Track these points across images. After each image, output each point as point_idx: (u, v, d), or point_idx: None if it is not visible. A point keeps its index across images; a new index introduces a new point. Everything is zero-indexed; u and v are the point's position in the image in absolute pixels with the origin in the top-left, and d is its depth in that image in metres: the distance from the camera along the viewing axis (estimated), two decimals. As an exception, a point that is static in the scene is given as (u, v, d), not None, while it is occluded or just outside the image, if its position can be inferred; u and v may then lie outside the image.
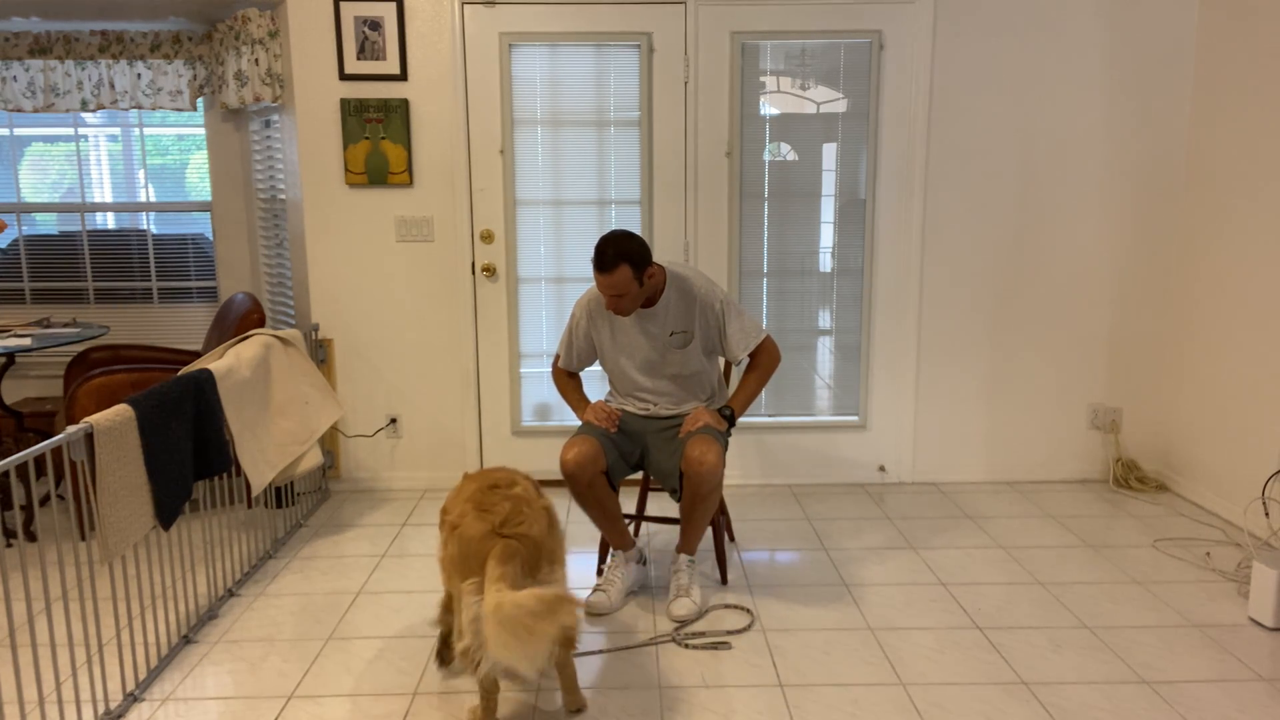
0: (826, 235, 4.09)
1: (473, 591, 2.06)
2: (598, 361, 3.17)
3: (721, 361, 3.44)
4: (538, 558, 2.13)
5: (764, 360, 3.04)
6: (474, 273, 4.08)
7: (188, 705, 2.46)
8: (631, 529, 3.58)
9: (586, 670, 2.61)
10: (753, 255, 4.11)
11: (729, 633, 2.82)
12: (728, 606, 3.00)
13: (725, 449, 2.92)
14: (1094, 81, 3.96)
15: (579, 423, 3.13)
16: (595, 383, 4.00)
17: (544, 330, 4.15)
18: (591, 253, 2.87)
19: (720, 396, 3.19)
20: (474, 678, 2.08)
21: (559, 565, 2.20)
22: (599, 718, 2.38)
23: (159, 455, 2.57)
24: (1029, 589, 3.12)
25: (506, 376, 4.16)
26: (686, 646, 2.74)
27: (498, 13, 3.89)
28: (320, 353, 4.06)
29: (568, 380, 3.21)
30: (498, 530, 2.12)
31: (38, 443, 3.48)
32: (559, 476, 4.23)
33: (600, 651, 2.72)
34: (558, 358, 3.20)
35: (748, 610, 2.97)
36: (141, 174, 4.61)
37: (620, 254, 2.78)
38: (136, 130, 4.58)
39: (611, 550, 3.10)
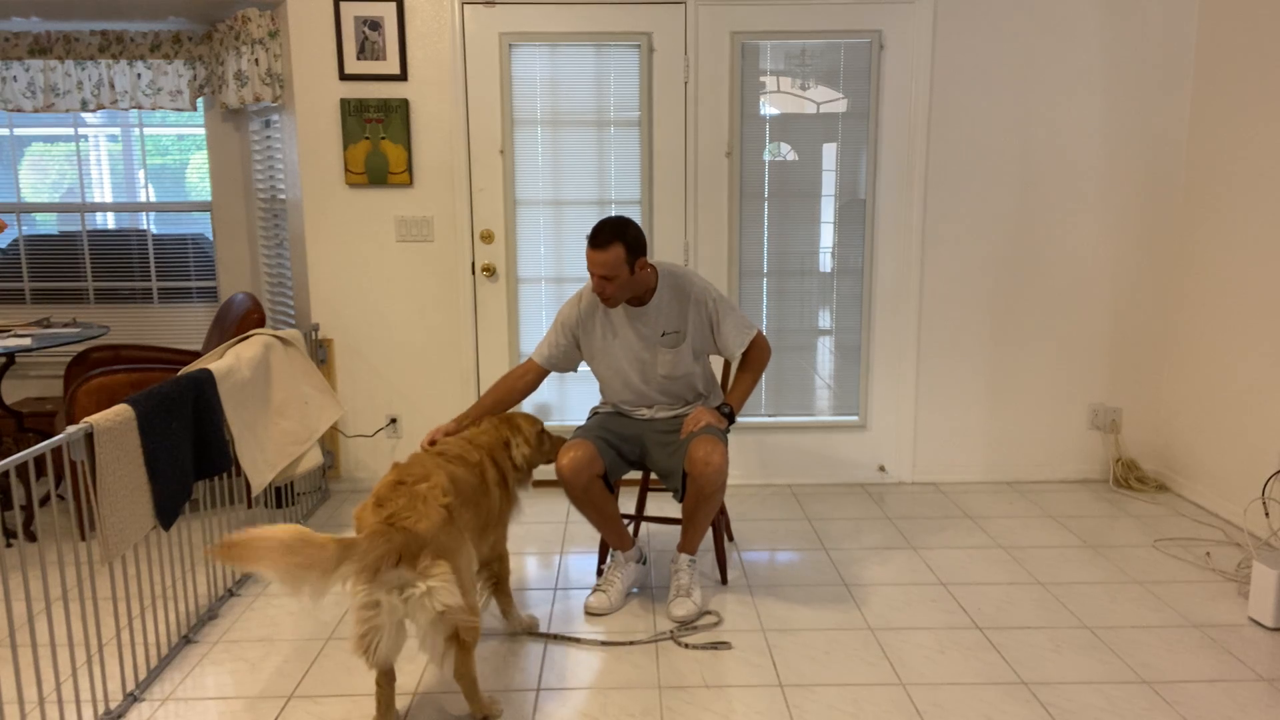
0: (826, 235, 4.09)
1: (361, 580, 2.13)
2: (584, 364, 3.12)
3: (722, 361, 3.44)
4: (417, 549, 2.17)
5: (757, 356, 3.02)
6: (474, 273, 4.08)
7: (188, 705, 2.46)
8: (631, 529, 3.58)
9: (586, 671, 2.62)
10: (753, 255, 4.11)
11: (686, 625, 2.83)
12: (707, 613, 2.99)
13: (728, 448, 2.91)
14: (1094, 81, 3.96)
15: (579, 423, 3.13)
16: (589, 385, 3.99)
17: (543, 330, 4.15)
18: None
19: (714, 396, 3.18)
20: (368, 667, 2.20)
21: (444, 560, 2.20)
22: (599, 718, 2.38)
23: (159, 455, 2.57)
24: (1029, 589, 3.12)
25: (506, 376, 4.16)
26: (686, 647, 2.74)
27: (498, 13, 3.90)
28: (320, 353, 4.06)
29: (510, 382, 3.01)
30: (385, 523, 2.20)
31: (38, 443, 3.48)
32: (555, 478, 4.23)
33: (601, 642, 2.72)
34: (528, 360, 3.08)
35: (713, 613, 2.96)
36: (141, 174, 4.61)
37: (616, 234, 2.75)
38: (136, 130, 4.58)
39: (611, 550, 3.10)
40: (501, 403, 2.98)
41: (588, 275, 4.07)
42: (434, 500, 2.28)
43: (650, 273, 2.91)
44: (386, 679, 2.30)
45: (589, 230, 2.85)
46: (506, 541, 2.79)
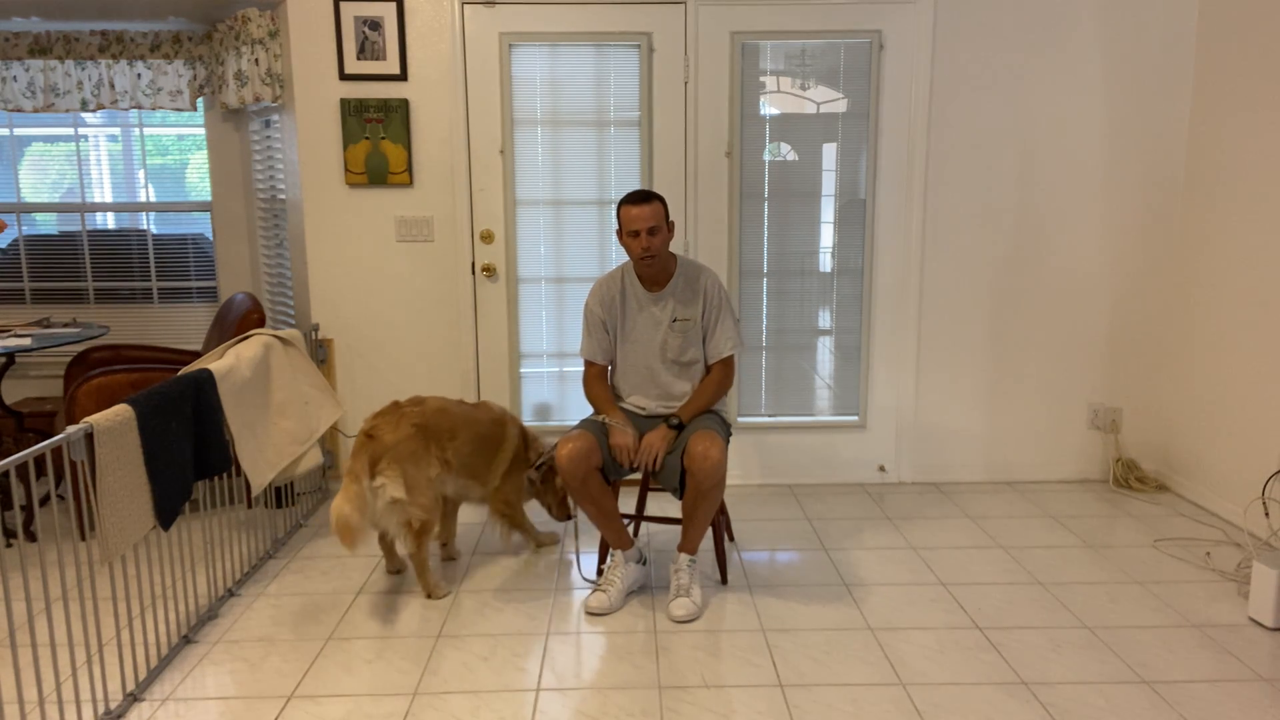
0: (826, 235, 4.09)
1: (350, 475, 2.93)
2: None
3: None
4: (380, 454, 2.93)
5: (722, 377, 3.11)
6: (474, 273, 4.08)
7: (188, 705, 2.46)
8: (631, 529, 3.58)
9: (586, 671, 2.62)
10: (753, 255, 4.11)
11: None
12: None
13: (726, 445, 2.94)
14: (1094, 81, 3.96)
15: (576, 423, 3.14)
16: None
17: (544, 330, 4.15)
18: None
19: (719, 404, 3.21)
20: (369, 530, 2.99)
21: (397, 465, 2.92)
22: (599, 718, 2.38)
23: (159, 455, 2.57)
24: (1029, 589, 3.12)
25: (506, 376, 4.16)
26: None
27: (498, 13, 3.90)
28: (320, 353, 4.06)
29: (599, 384, 3.17)
30: (364, 434, 2.98)
31: (38, 443, 3.48)
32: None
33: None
34: (587, 364, 3.19)
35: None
36: (141, 174, 4.61)
37: (652, 193, 2.99)
38: (136, 130, 4.58)
39: (611, 550, 3.10)
40: (613, 400, 3.19)
41: (589, 274, 4.08)
42: (408, 419, 2.99)
43: (670, 255, 3.09)
44: (382, 540, 3.20)
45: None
46: (504, 497, 3.34)
